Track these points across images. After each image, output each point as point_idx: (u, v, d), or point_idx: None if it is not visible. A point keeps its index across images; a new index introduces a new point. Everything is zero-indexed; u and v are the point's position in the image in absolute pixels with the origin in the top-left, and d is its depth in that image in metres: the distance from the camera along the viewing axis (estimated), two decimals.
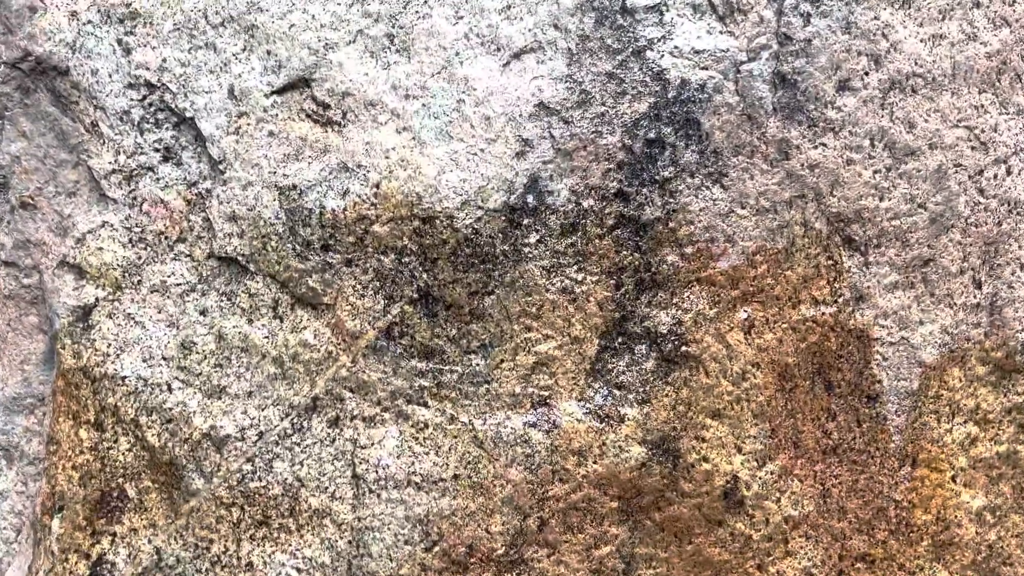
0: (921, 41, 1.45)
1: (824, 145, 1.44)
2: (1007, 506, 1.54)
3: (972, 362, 1.52)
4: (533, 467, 1.43)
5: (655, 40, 1.41)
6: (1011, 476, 1.54)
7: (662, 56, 1.40)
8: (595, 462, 1.43)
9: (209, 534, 1.43)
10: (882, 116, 1.45)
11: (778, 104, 1.43)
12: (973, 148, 1.49)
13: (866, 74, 1.44)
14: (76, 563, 1.43)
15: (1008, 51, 1.49)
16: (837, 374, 1.48)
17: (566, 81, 1.40)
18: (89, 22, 1.43)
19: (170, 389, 1.43)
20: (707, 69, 1.41)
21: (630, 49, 1.41)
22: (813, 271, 1.46)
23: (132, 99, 1.43)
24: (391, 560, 1.42)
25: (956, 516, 1.52)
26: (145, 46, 1.42)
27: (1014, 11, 1.49)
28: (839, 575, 1.50)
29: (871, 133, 1.45)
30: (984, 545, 1.53)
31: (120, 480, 1.44)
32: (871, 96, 1.44)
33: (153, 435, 1.43)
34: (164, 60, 1.42)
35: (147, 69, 1.42)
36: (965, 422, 1.52)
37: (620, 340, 1.44)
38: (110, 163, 1.44)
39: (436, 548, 1.42)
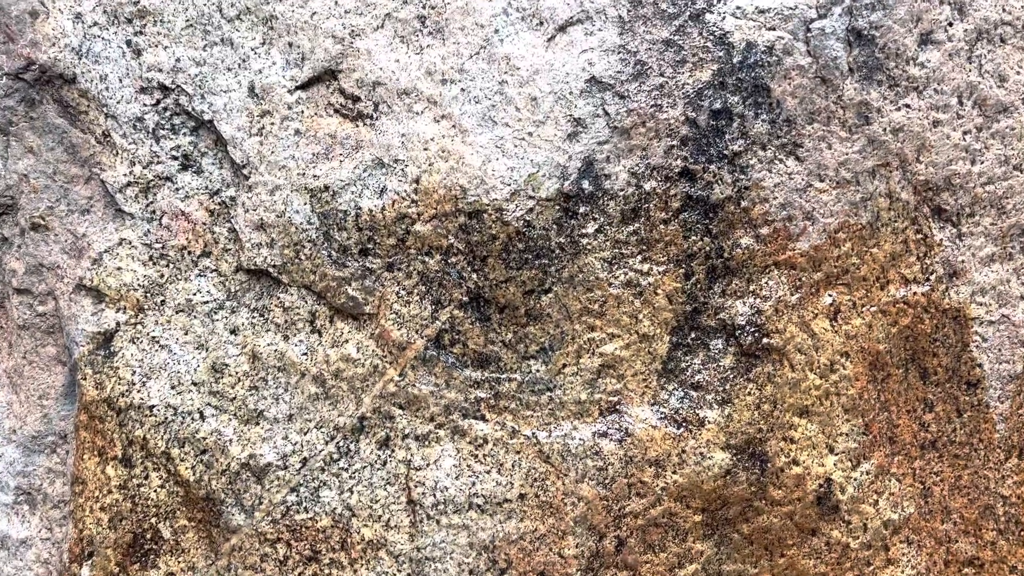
0: None
1: (907, 106, 1.36)
2: None
3: None
4: (606, 481, 1.34)
5: (715, 1, 1.34)
6: None
7: (723, 18, 1.32)
8: (674, 472, 1.33)
9: (254, 574, 1.35)
10: (970, 71, 1.36)
11: (854, 64, 1.34)
12: None
13: (950, 25, 1.36)
14: None
15: None
16: (933, 359, 1.39)
17: (619, 52, 1.32)
18: (95, 24, 1.36)
19: (202, 417, 1.35)
20: (774, 29, 1.32)
21: (688, 12, 1.33)
22: (901, 247, 1.37)
23: (145, 104, 1.36)
24: None
25: None
26: (156, 46, 1.35)
27: None
28: None
29: (958, 90, 1.36)
30: None
31: (153, 520, 1.36)
32: (956, 49, 1.35)
33: (187, 468, 1.34)
34: (178, 60, 1.35)
35: (160, 71, 1.35)
36: None
37: (693, 335, 1.35)
38: (125, 175, 1.37)
39: None
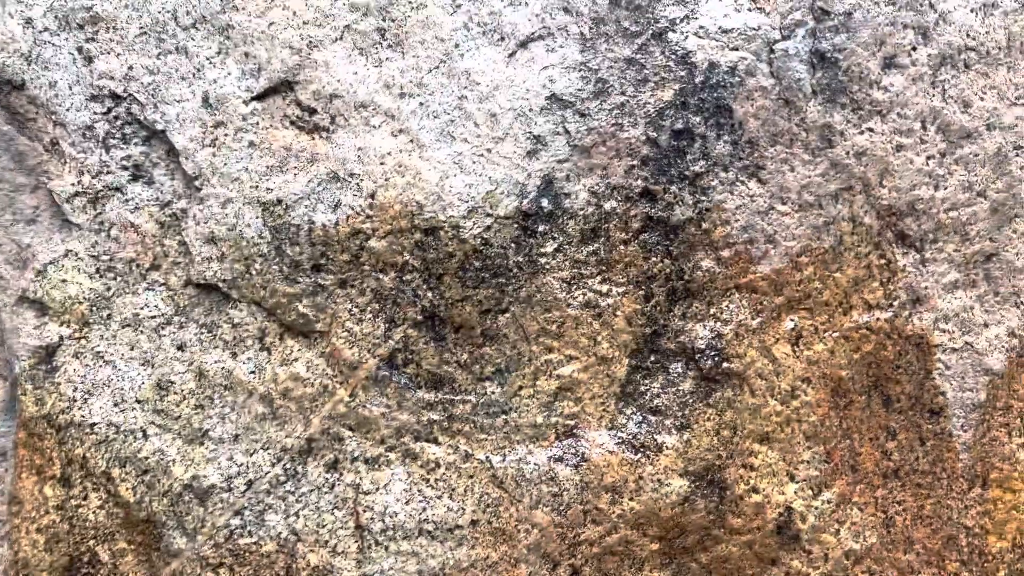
0: (972, 11, 1.36)
1: (871, 130, 1.34)
2: None
3: None
4: (561, 508, 1.30)
5: (677, 20, 1.31)
6: None
7: (686, 37, 1.30)
8: (631, 499, 1.30)
9: None
10: (933, 95, 1.34)
11: (818, 86, 1.33)
12: None
13: (914, 49, 1.34)
14: None
15: None
16: (895, 387, 1.37)
17: (580, 70, 1.30)
18: (46, 29, 1.32)
19: (145, 436, 1.31)
20: (737, 50, 1.30)
21: (650, 31, 1.30)
22: (864, 272, 1.35)
23: (96, 112, 1.32)
24: None
25: None
26: (109, 53, 1.32)
27: None
28: None
29: (922, 115, 1.34)
30: None
31: (91, 543, 1.32)
32: (920, 73, 1.34)
33: (127, 489, 1.30)
34: (130, 68, 1.32)
35: (111, 79, 1.32)
36: None
37: (653, 358, 1.32)
38: (73, 185, 1.34)
39: None
